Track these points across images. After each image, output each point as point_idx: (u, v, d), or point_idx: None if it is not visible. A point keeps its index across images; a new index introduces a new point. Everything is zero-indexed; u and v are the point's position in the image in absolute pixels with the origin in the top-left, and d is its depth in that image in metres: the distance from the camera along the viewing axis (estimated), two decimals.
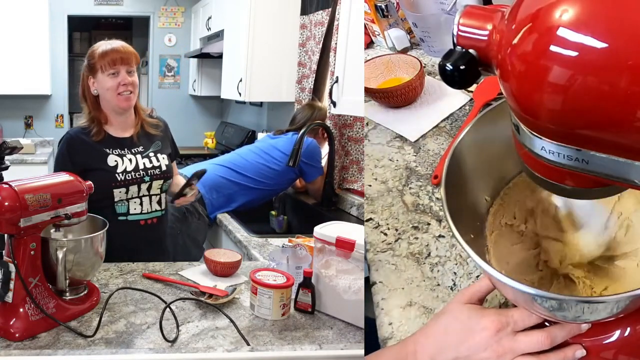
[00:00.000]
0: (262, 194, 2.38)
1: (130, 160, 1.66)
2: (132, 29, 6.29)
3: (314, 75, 2.73)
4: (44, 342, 1.05)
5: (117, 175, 1.62)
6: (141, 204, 1.67)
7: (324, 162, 2.45)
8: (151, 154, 1.70)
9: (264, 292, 1.19)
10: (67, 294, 1.19)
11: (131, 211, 1.66)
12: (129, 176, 1.63)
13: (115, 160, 1.64)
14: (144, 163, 1.67)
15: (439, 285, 1.13)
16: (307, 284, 1.23)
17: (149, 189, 1.68)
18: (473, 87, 1.53)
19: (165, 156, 1.73)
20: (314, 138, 2.43)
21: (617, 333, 0.86)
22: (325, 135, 2.43)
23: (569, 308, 0.74)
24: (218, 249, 1.56)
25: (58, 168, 1.63)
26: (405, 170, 1.41)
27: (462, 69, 0.66)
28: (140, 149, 1.69)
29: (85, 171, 1.51)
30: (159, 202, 1.72)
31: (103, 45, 1.64)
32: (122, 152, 1.66)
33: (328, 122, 2.43)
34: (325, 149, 2.46)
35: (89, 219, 1.25)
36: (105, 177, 1.60)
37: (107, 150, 1.64)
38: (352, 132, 2.39)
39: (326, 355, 1.08)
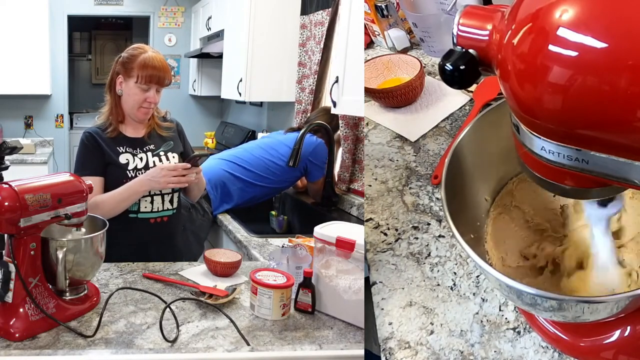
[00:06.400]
0: (266, 190, 2.38)
1: (141, 158, 1.69)
2: (132, 29, 6.29)
3: (314, 75, 2.73)
4: (44, 342, 1.05)
5: (128, 172, 1.66)
6: (152, 202, 1.69)
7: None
8: (162, 153, 1.73)
9: (264, 292, 1.19)
10: (67, 294, 1.19)
11: (141, 209, 1.68)
12: (139, 173, 1.66)
13: (127, 159, 1.67)
14: (154, 161, 1.70)
15: (439, 285, 1.13)
16: (307, 284, 1.23)
17: None
18: (473, 87, 1.53)
19: (176, 155, 1.75)
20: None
21: (617, 333, 0.86)
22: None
23: (569, 308, 0.74)
24: (218, 249, 1.56)
25: (79, 163, 1.67)
26: (405, 170, 1.41)
27: (462, 69, 0.66)
28: (152, 147, 1.72)
29: (103, 165, 1.65)
30: (171, 201, 1.73)
31: (145, 55, 1.64)
32: (134, 151, 1.69)
33: (340, 122, 2.41)
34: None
35: (89, 219, 1.25)
36: (117, 173, 1.65)
37: (120, 149, 1.68)
38: (358, 131, 2.39)
39: (326, 355, 1.08)
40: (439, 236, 1.22)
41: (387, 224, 1.28)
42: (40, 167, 4.08)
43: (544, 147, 0.62)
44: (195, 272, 1.47)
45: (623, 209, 0.88)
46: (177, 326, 1.12)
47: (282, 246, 1.40)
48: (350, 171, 2.44)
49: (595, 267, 0.89)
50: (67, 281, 1.14)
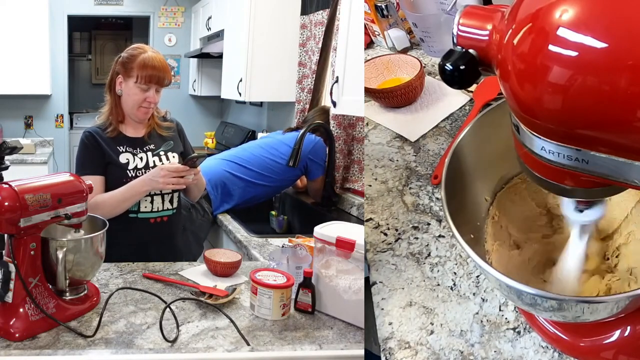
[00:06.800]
0: (267, 190, 2.38)
1: (141, 158, 1.69)
2: (132, 29, 6.29)
3: (314, 75, 2.73)
4: (44, 342, 1.05)
5: (128, 171, 1.66)
6: (152, 202, 1.69)
7: None
8: (162, 153, 1.73)
9: (264, 292, 1.19)
10: (67, 294, 1.19)
11: (141, 209, 1.68)
12: (139, 173, 1.66)
13: (127, 158, 1.67)
14: (154, 161, 1.70)
15: (439, 285, 1.13)
16: (307, 284, 1.23)
17: None
18: (473, 87, 1.53)
19: (176, 155, 1.75)
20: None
21: (617, 333, 0.86)
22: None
23: (569, 308, 0.74)
24: (218, 249, 1.56)
25: (79, 162, 1.67)
26: (405, 170, 1.41)
27: (462, 69, 0.66)
28: (152, 147, 1.72)
29: (104, 164, 1.65)
30: (171, 201, 1.74)
31: (145, 55, 1.64)
32: (134, 150, 1.70)
33: (332, 122, 2.42)
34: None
35: (89, 219, 1.25)
36: (118, 173, 1.65)
37: (120, 149, 1.68)
38: (355, 131, 2.39)
39: (326, 355, 1.08)
40: (439, 236, 1.22)
41: (387, 224, 1.28)
42: (40, 167, 4.08)
43: (544, 147, 0.62)
44: (195, 272, 1.47)
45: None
46: (177, 326, 1.12)
47: (282, 246, 1.40)
48: (342, 171, 2.44)
49: (561, 269, 0.89)
50: (67, 281, 1.14)
